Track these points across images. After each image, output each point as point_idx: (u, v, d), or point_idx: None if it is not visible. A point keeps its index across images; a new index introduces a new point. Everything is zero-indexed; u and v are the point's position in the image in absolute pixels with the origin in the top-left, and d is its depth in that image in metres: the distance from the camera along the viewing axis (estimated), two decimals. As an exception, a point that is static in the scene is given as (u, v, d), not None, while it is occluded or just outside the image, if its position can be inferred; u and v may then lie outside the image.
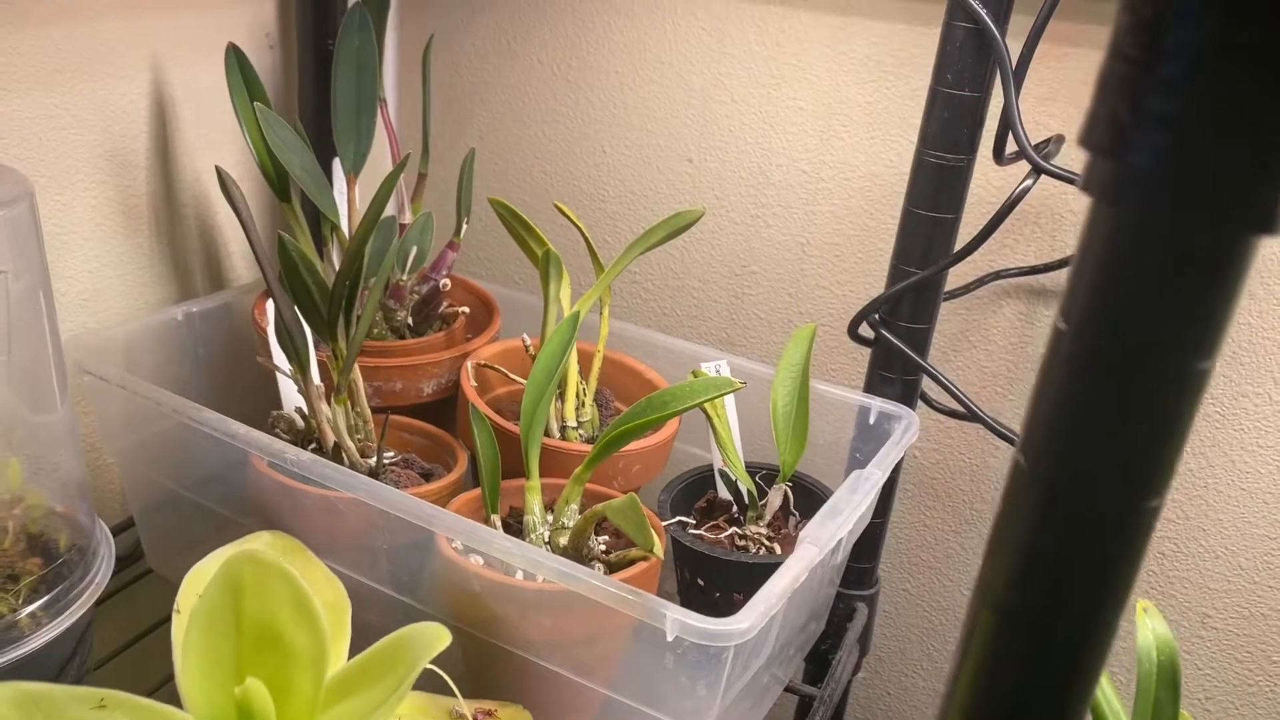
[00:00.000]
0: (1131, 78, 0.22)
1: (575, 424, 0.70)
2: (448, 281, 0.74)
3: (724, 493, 0.71)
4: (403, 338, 0.74)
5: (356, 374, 0.63)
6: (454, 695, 0.48)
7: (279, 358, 0.65)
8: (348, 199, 0.74)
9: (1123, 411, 0.24)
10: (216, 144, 0.78)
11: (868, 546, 0.74)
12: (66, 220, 0.69)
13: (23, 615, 0.50)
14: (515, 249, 0.73)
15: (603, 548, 0.60)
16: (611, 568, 0.58)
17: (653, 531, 0.48)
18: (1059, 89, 0.70)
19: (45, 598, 0.51)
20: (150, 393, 0.62)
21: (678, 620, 0.47)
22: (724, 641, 0.47)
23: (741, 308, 0.87)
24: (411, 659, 0.37)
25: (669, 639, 0.47)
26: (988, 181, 0.73)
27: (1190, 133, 0.22)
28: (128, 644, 0.66)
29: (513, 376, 0.71)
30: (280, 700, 0.38)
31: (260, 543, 0.54)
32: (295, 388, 0.65)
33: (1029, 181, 0.61)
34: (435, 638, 0.37)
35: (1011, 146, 0.62)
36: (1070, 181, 0.60)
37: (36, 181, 0.66)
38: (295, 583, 0.38)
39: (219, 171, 0.58)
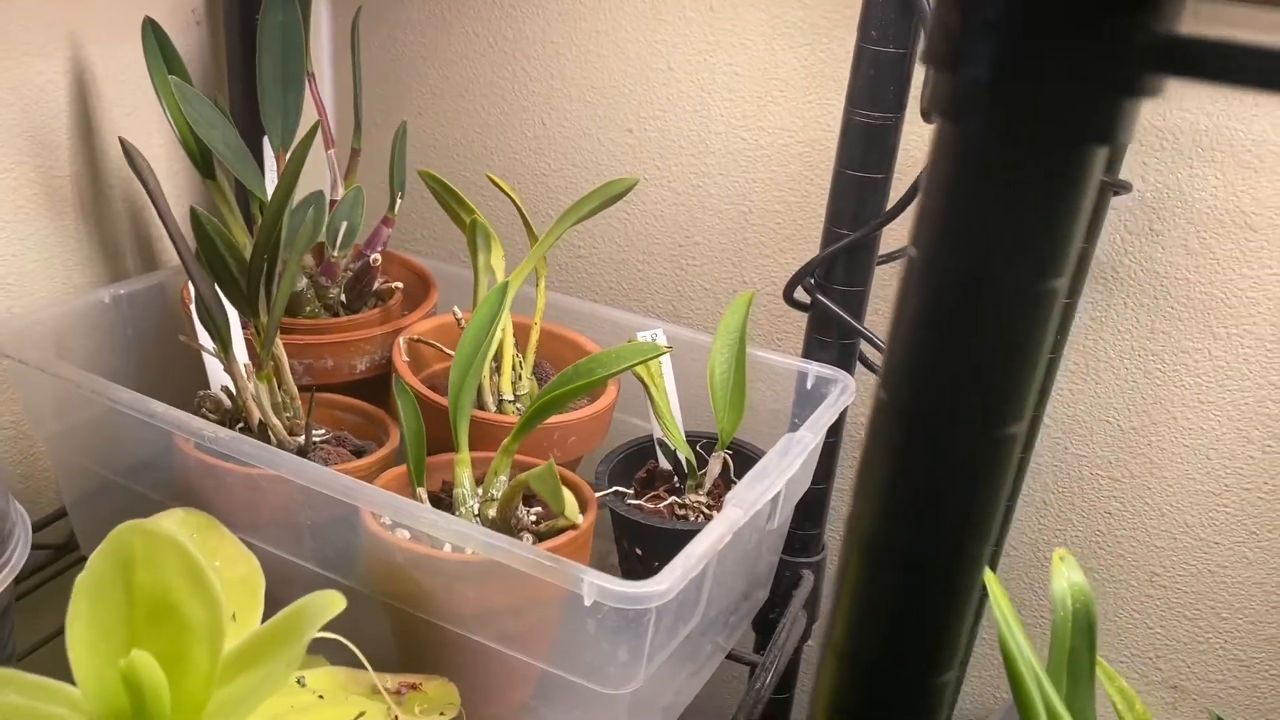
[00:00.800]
0: (962, -14, 0.22)
1: (512, 397, 0.70)
2: (378, 257, 0.73)
3: (664, 463, 0.70)
4: (337, 315, 0.73)
5: (281, 351, 0.62)
6: (367, 669, 0.47)
7: (203, 336, 0.64)
8: (277, 175, 0.72)
9: (972, 336, 0.24)
10: (142, 123, 0.76)
11: (812, 512, 0.74)
12: (-16, 202, 0.67)
13: (-70, 600, 0.49)
14: (453, 223, 0.72)
15: (533, 519, 0.59)
16: (540, 538, 0.57)
17: (571, 498, 0.47)
18: (991, 46, 0.69)
19: (-45, 582, 0.50)
20: (70, 374, 0.61)
21: (594, 585, 0.46)
22: (643, 604, 0.46)
23: (686, 279, 0.86)
24: (305, 627, 0.36)
25: (587, 603, 0.46)
26: (922, 140, 0.73)
27: (1021, 41, 0.21)
28: (56, 633, 0.65)
29: (447, 350, 0.70)
30: (174, 674, 0.37)
31: (173, 520, 0.53)
32: (220, 366, 0.64)
33: (954, 137, 0.60)
34: (328, 604, 0.37)
35: (939, 103, 0.61)
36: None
37: (-50, 163, 0.65)
38: (188, 553, 0.38)
39: (123, 143, 0.57)
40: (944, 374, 0.25)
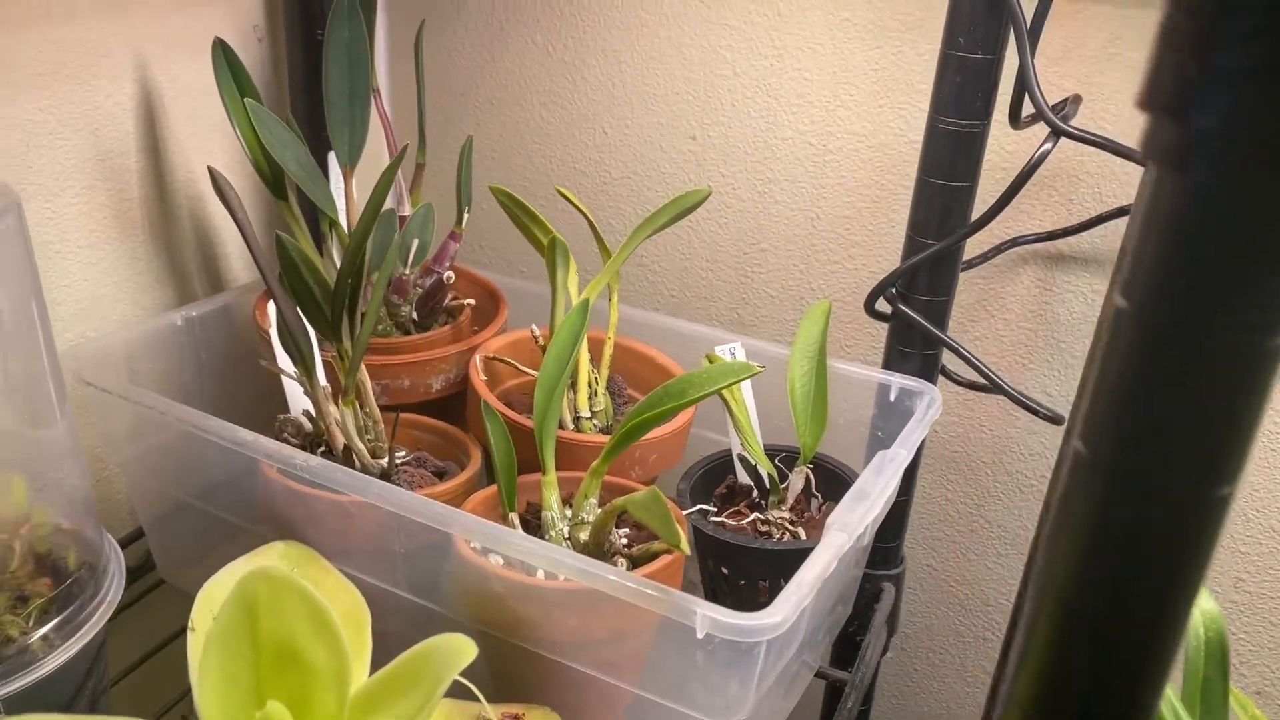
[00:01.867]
0: (1198, 30, 0.20)
1: (589, 414, 0.69)
2: (451, 274, 0.72)
3: (743, 477, 0.69)
4: (408, 333, 0.73)
5: (364, 373, 0.62)
6: (479, 701, 0.47)
7: (283, 360, 0.63)
8: (345, 193, 0.72)
9: (1190, 393, 0.23)
10: (208, 142, 0.76)
11: (892, 525, 0.73)
12: (59, 229, 0.67)
13: (34, 639, 0.49)
14: (517, 235, 0.72)
15: (624, 541, 0.58)
16: (634, 561, 0.56)
17: (679, 527, 0.46)
18: (1072, 47, 0.68)
19: (56, 619, 0.50)
20: (153, 402, 0.60)
21: (708, 617, 0.45)
22: (756, 637, 0.45)
23: (752, 286, 0.85)
24: (438, 673, 0.36)
25: (699, 636, 0.46)
26: (1000, 145, 0.71)
27: (1263, 93, 0.20)
28: (142, 659, 0.65)
29: (523, 368, 0.70)
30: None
31: (274, 554, 0.53)
32: (301, 389, 0.63)
33: (1049, 145, 0.59)
34: (461, 650, 0.36)
35: (1028, 109, 0.60)
36: (1091, 143, 0.58)
37: (25, 190, 0.64)
38: (311, 598, 0.37)
39: (212, 173, 0.57)
40: (1156, 431, 0.23)
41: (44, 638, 0.49)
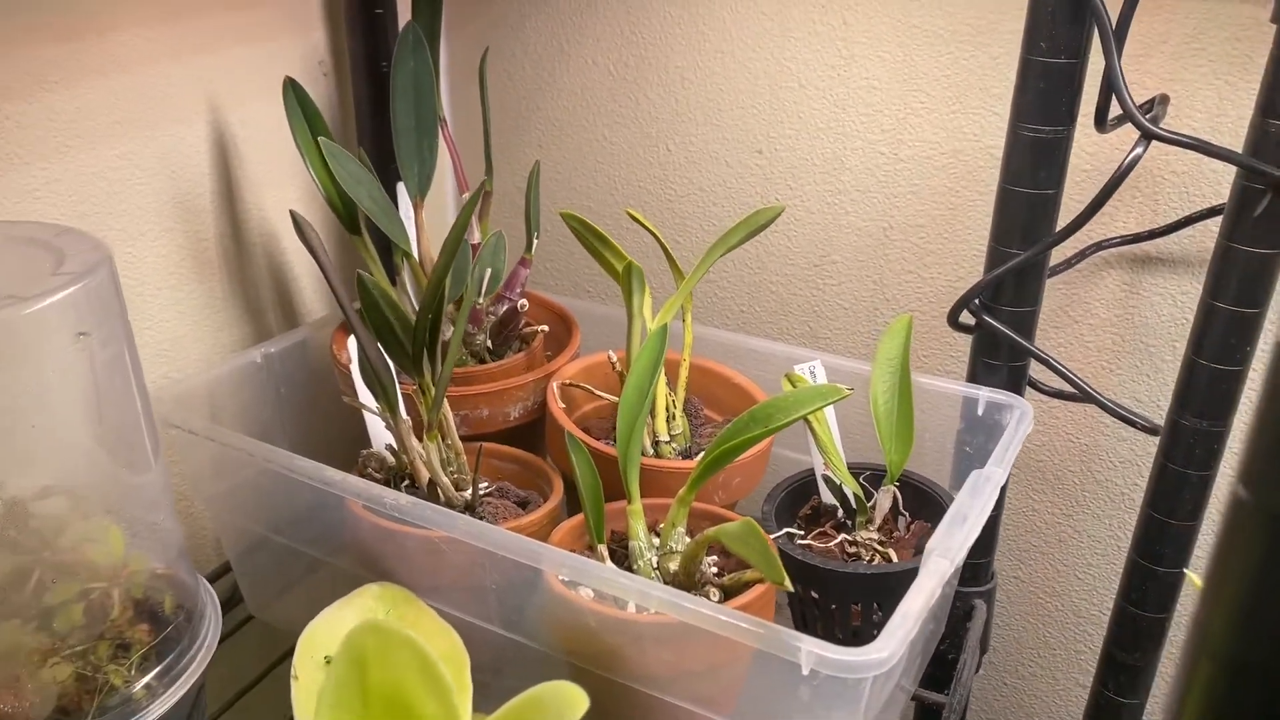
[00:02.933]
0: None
1: (667, 438, 0.68)
2: (525, 301, 0.72)
3: (828, 497, 0.68)
4: (482, 361, 0.73)
5: (447, 409, 0.62)
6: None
7: (364, 395, 0.63)
8: (415, 224, 0.72)
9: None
10: (278, 179, 0.76)
11: (983, 541, 0.71)
12: (139, 272, 0.68)
13: (138, 687, 0.49)
14: (582, 257, 0.71)
15: (714, 570, 0.57)
16: (725, 591, 0.55)
17: (779, 560, 0.45)
18: (1153, 44, 0.66)
19: (158, 667, 0.50)
20: (241, 443, 0.61)
21: (813, 653, 0.44)
22: (863, 673, 0.44)
23: (824, 300, 0.83)
24: (549, 725, 0.35)
25: (804, 673, 0.45)
26: (1080, 148, 0.69)
27: None
28: (236, 696, 0.66)
29: (601, 394, 0.69)
30: (414, 773, 0.36)
31: (370, 596, 0.53)
32: (383, 424, 0.63)
33: (1140, 149, 0.57)
34: (574, 701, 0.35)
35: (1114, 111, 0.58)
36: (1184, 144, 0.56)
37: (105, 235, 0.65)
38: (420, 650, 0.37)
39: (294, 216, 0.57)
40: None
41: (147, 686, 0.50)
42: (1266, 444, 0.23)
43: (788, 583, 0.44)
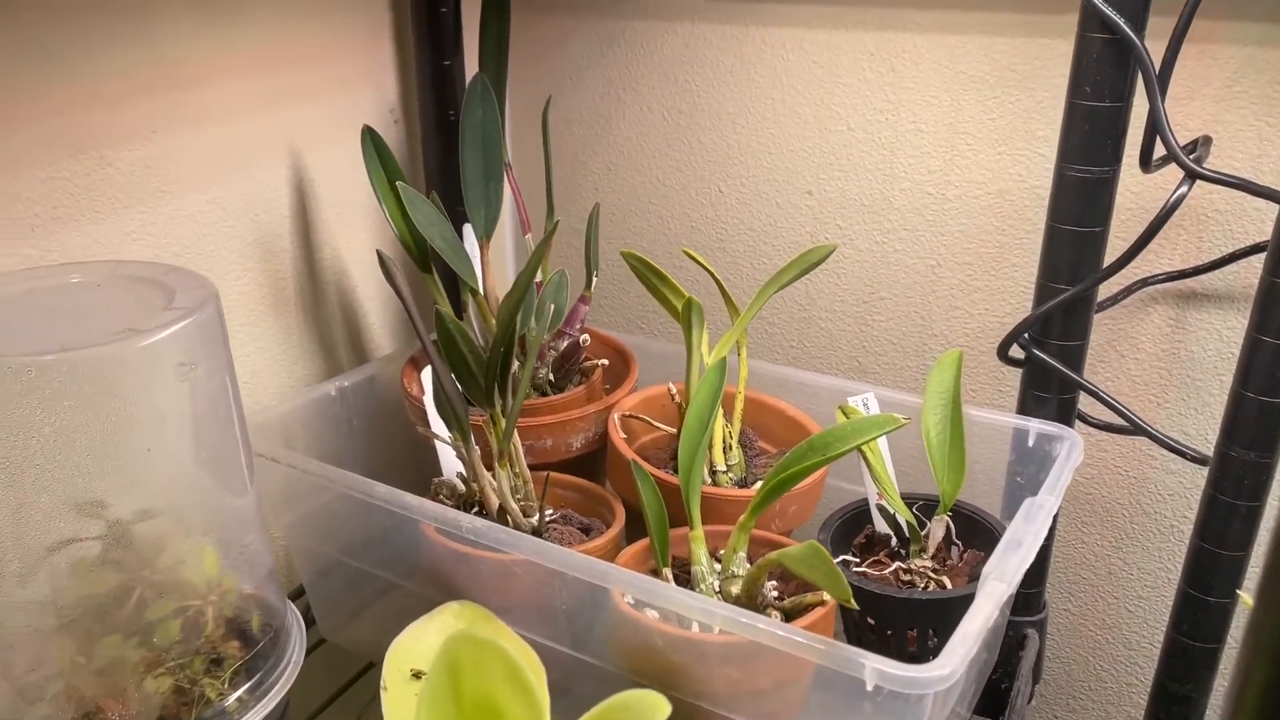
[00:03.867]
0: None
1: (724, 468, 0.70)
2: (587, 337, 0.75)
3: (881, 526, 0.70)
4: (544, 394, 0.75)
5: (516, 439, 0.64)
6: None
7: (437, 425, 0.66)
8: (481, 263, 0.75)
9: None
10: (351, 220, 0.80)
11: (1034, 571, 0.72)
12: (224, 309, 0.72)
13: (230, 700, 0.52)
14: (638, 294, 0.74)
15: (775, 594, 0.59)
16: (786, 614, 0.57)
17: (845, 580, 0.47)
18: (1195, 87, 0.68)
19: (249, 682, 0.53)
20: (323, 470, 0.64)
21: (877, 669, 0.46)
22: (926, 689, 0.46)
23: (872, 335, 0.86)
24: (634, 728, 0.37)
25: (869, 689, 0.46)
26: (1125, 186, 0.71)
27: None
28: (318, 710, 0.68)
29: (660, 425, 0.72)
30: (506, 775, 0.39)
31: (450, 614, 0.55)
32: (454, 453, 0.66)
33: (1184, 189, 0.59)
34: (656, 707, 0.38)
35: (1159, 152, 0.61)
36: (1228, 184, 0.58)
37: (195, 274, 0.69)
38: (510, 659, 0.39)
39: (381, 257, 0.61)
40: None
41: (239, 699, 0.53)
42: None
43: (852, 600, 0.46)
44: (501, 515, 0.64)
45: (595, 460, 0.74)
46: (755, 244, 0.88)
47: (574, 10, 0.89)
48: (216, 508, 0.54)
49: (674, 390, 0.72)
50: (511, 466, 0.65)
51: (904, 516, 0.67)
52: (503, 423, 0.63)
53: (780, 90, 0.83)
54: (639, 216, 0.93)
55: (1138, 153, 0.62)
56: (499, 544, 0.57)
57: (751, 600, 0.58)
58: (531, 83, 0.93)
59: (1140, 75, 0.59)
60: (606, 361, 0.77)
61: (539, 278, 0.78)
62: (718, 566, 0.61)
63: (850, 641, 0.67)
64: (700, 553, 0.61)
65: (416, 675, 0.51)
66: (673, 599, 0.53)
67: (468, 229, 0.76)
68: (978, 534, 0.68)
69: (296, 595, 0.76)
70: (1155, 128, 0.58)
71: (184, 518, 0.53)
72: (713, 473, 0.70)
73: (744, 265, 0.89)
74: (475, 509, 0.66)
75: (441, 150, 0.82)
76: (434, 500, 0.66)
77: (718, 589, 0.60)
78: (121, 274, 0.53)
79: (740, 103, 0.85)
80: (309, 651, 0.74)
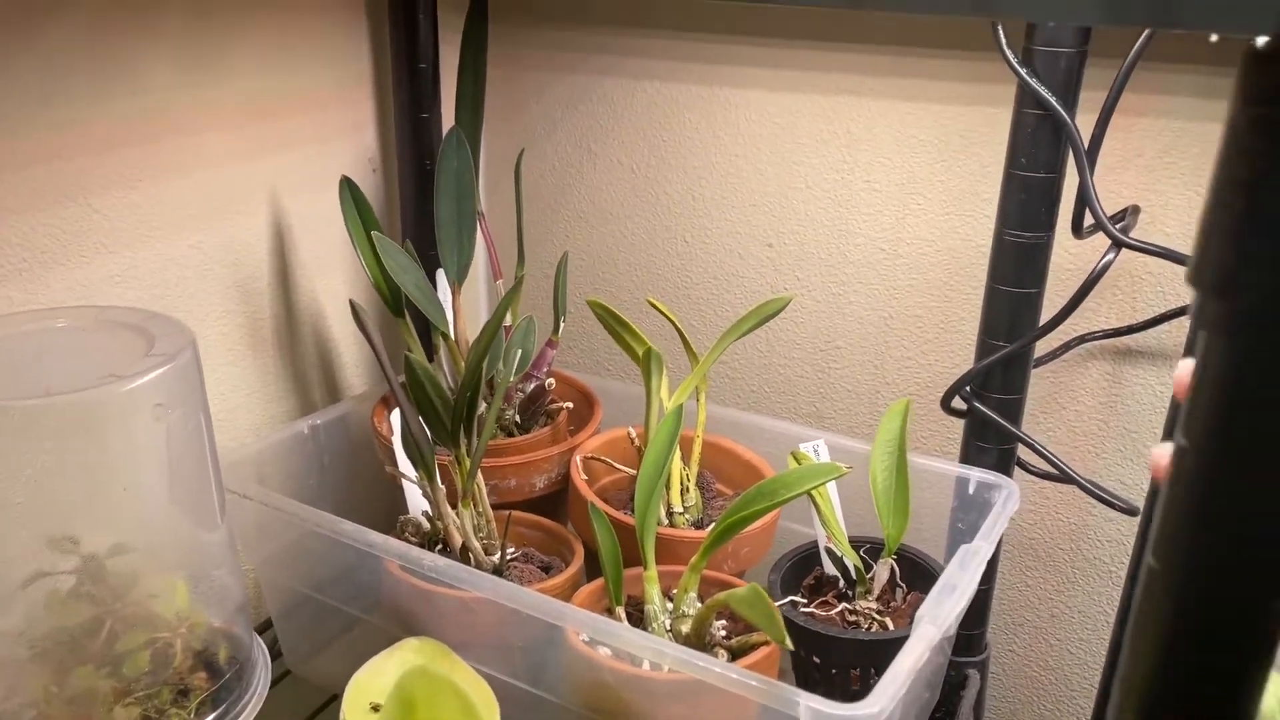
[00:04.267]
0: (1235, 225, 0.25)
1: (681, 509, 0.73)
2: (552, 380, 0.78)
3: (830, 569, 0.73)
4: (510, 435, 0.78)
5: (480, 479, 0.67)
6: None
7: (404, 465, 0.69)
8: (453, 307, 0.78)
9: (1247, 519, 0.27)
10: (328, 264, 0.83)
11: (975, 613, 0.75)
12: (203, 349, 0.74)
13: (197, 728, 0.54)
14: (604, 339, 0.77)
15: (723, 633, 0.62)
16: (733, 653, 0.60)
17: (781, 622, 0.50)
18: (1129, 158, 0.73)
19: (215, 712, 0.55)
20: (291, 507, 0.66)
21: (810, 708, 0.49)
22: (857, 725, 0.49)
23: (828, 382, 0.89)
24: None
25: (803, 725, 0.49)
26: (1064, 248, 0.75)
27: (1290, 276, 0.25)
28: (277, 745, 0.70)
29: (620, 467, 0.75)
30: (456, 804, 0.41)
31: (409, 650, 0.58)
32: (420, 492, 0.69)
33: (1110, 255, 0.63)
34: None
35: (1089, 220, 0.65)
36: (1151, 253, 0.62)
37: (176, 317, 0.72)
38: (462, 694, 0.42)
39: (353, 305, 0.63)
40: (1218, 551, 0.28)
41: (205, 728, 0.55)
42: (1169, 527, 0.29)
43: (789, 641, 0.49)
44: (464, 553, 0.67)
45: (558, 500, 0.77)
46: (718, 293, 0.92)
47: (549, 66, 0.93)
48: (188, 543, 0.57)
49: (634, 434, 0.75)
50: (475, 506, 0.68)
51: (850, 559, 0.70)
52: (467, 463, 0.66)
53: (743, 148, 0.87)
54: (608, 264, 0.96)
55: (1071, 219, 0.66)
56: (459, 582, 0.60)
57: (700, 639, 0.61)
58: (507, 133, 0.97)
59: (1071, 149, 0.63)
60: (571, 404, 0.80)
61: (509, 322, 0.81)
62: (670, 606, 0.64)
63: (798, 679, 0.70)
64: (653, 592, 0.63)
65: (375, 709, 0.53)
66: (623, 638, 0.56)
67: (441, 274, 0.79)
68: (921, 577, 0.71)
69: (265, 627, 0.78)
70: (1084, 200, 0.62)
71: (157, 553, 0.56)
72: (670, 514, 0.73)
73: (707, 313, 0.93)
74: (439, 546, 0.69)
75: (418, 198, 0.85)
76: (399, 538, 0.68)
77: (669, 628, 0.63)
78: (105, 319, 0.56)
79: (705, 158, 0.88)
80: (274, 683, 0.76)
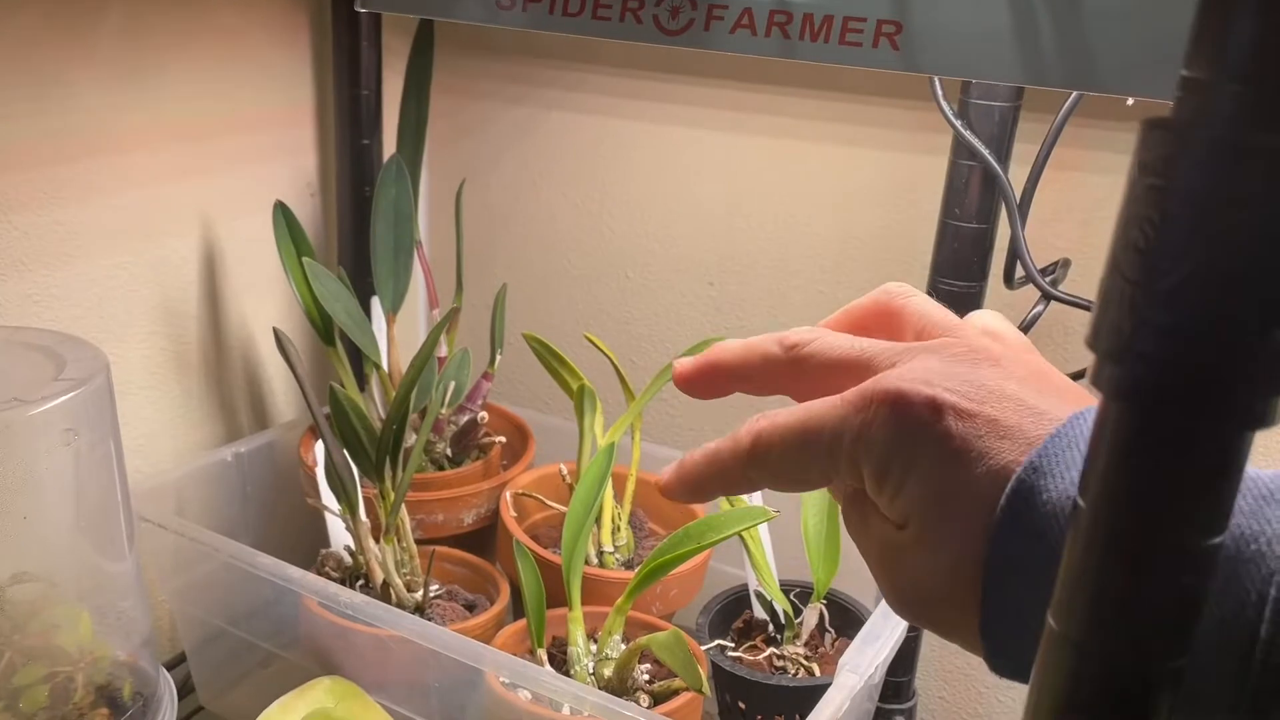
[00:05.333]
0: (1131, 294, 0.25)
1: (612, 548, 0.72)
2: (485, 414, 0.77)
3: (760, 612, 0.72)
4: (441, 468, 0.77)
5: (404, 513, 0.66)
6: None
7: (327, 498, 0.67)
8: (387, 336, 0.77)
9: (1141, 583, 0.27)
10: (260, 289, 0.82)
11: (903, 660, 0.75)
12: (122, 371, 0.72)
13: (93, 769, 0.52)
14: (544, 373, 0.77)
15: (646, 677, 0.61)
16: (656, 698, 0.59)
17: (700, 669, 0.49)
18: (1063, 211, 0.74)
19: (113, 750, 0.53)
20: (207, 538, 0.65)
21: (726, 756, 0.48)
22: (772, 776, 0.48)
23: (766, 423, 0.89)
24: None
25: (719, 775, 0.48)
26: (997, 298, 0.76)
27: (1183, 341, 0.25)
28: (183, 785, 0.68)
29: (551, 504, 0.74)
30: None
31: (320, 690, 0.56)
32: (343, 525, 0.67)
33: (1040, 308, 0.64)
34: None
35: (1020, 272, 0.65)
36: (1079, 306, 0.63)
37: (96, 337, 0.70)
38: (364, 739, 0.40)
39: (276, 333, 0.62)
40: (1113, 613, 0.27)
41: (102, 767, 0.53)
42: (1066, 589, 0.28)
43: (705, 688, 0.48)
44: (385, 590, 0.65)
45: (488, 536, 0.76)
46: (660, 329, 0.91)
47: (495, 97, 0.92)
48: (94, 574, 0.55)
49: (565, 471, 0.74)
50: (399, 541, 0.66)
51: (780, 604, 0.70)
52: (392, 496, 0.64)
53: (687, 186, 0.87)
54: (549, 298, 0.96)
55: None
56: (375, 620, 0.59)
57: (623, 683, 0.60)
58: (451, 163, 0.96)
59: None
60: (504, 438, 0.79)
61: (444, 353, 0.80)
62: (594, 648, 0.63)
63: (723, 725, 0.69)
64: (578, 634, 0.62)
65: (279, 751, 0.51)
66: (540, 681, 0.55)
67: (376, 304, 0.78)
68: (851, 622, 0.70)
69: (179, 661, 0.75)
70: (1015, 252, 0.63)
71: (59, 583, 0.54)
72: (600, 553, 0.72)
73: (648, 349, 0.93)
74: (361, 582, 0.67)
75: (356, 226, 0.84)
76: (320, 572, 0.67)
77: (592, 670, 0.62)
78: (16, 340, 0.54)
79: (649, 195, 0.88)
80: (187, 718, 0.74)
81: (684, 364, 0.35)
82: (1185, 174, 0.24)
